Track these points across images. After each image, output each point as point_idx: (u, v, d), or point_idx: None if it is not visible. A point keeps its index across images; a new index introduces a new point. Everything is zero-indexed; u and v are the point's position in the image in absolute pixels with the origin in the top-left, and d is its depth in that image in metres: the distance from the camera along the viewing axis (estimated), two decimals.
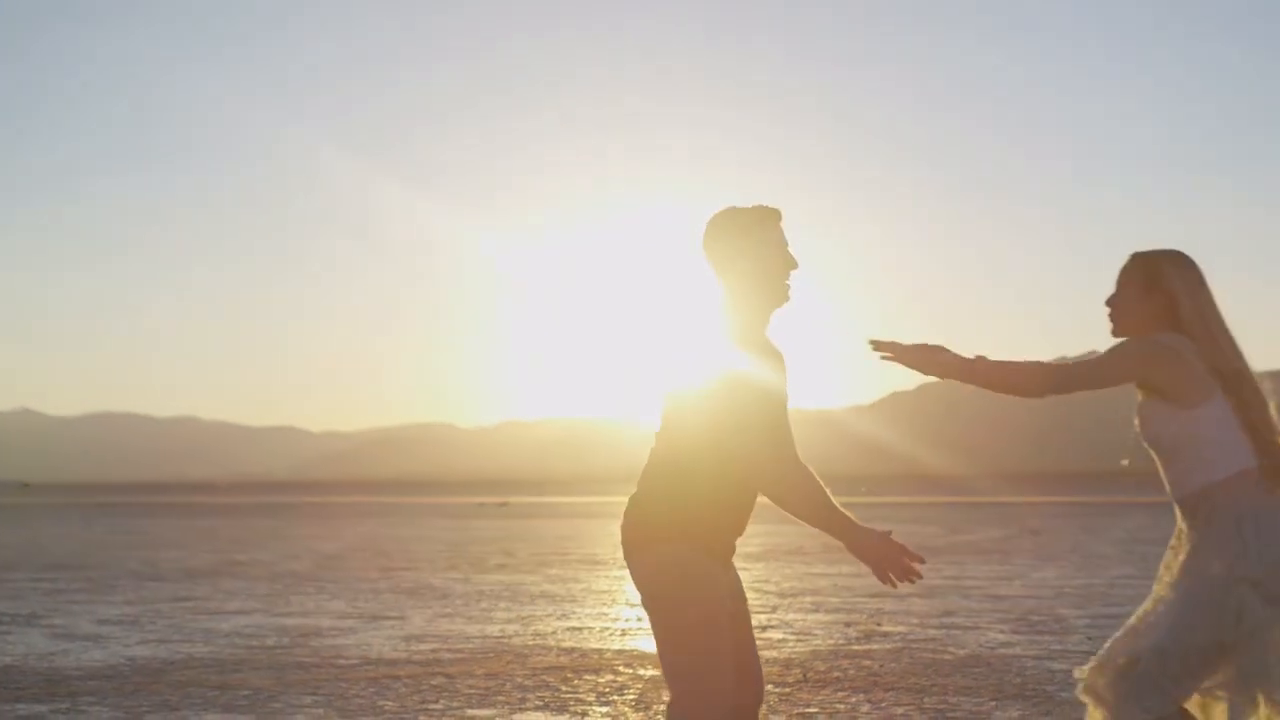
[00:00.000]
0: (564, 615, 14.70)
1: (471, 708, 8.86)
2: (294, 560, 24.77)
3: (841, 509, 4.60)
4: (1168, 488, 4.82)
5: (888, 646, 11.81)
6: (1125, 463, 5.27)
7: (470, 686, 9.75)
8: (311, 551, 27.81)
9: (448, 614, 14.91)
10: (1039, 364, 4.84)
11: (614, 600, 16.45)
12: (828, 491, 4.63)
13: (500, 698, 9.25)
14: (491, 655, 11.45)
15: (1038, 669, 10.48)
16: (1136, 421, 4.79)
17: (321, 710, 8.86)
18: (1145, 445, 4.80)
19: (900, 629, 13.08)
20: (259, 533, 38.51)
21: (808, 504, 4.59)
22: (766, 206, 4.79)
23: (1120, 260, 4.94)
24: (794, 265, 4.76)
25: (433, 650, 11.80)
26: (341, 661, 11.16)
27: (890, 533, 4.61)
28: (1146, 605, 4.80)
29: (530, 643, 12.30)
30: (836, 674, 10.24)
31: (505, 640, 12.49)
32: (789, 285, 4.77)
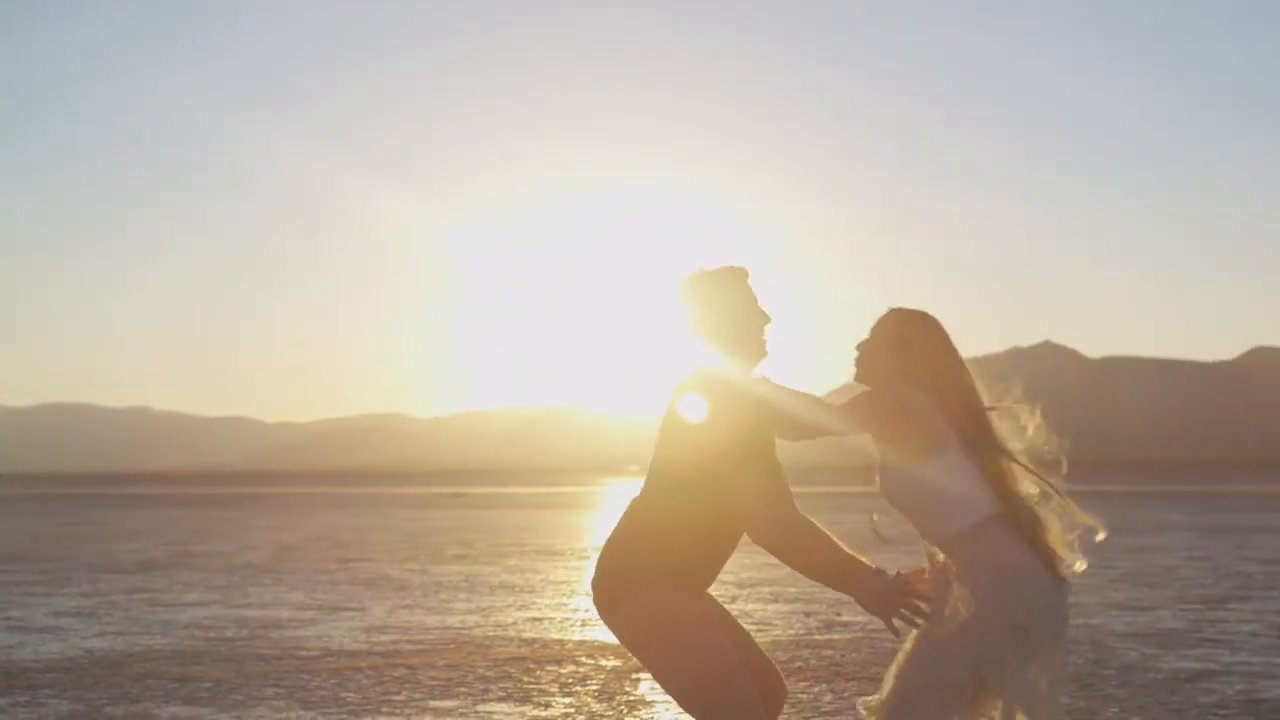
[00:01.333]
0: (524, 606, 14.69)
1: (434, 699, 8.84)
2: (251, 551, 24.67)
3: (848, 559, 4.59)
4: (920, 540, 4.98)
5: (848, 636, 11.84)
6: (876, 518, 5.34)
7: (432, 678, 9.73)
8: (268, 543, 27.71)
9: (407, 605, 14.87)
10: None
11: (573, 591, 16.44)
12: (836, 542, 4.62)
13: (463, 689, 9.24)
14: (452, 646, 11.43)
15: None
16: (877, 479, 4.91)
17: (283, 702, 8.83)
18: (887, 500, 4.93)
19: (860, 619, 13.11)
20: (214, 524, 38.35)
21: (816, 562, 4.59)
22: (734, 266, 4.88)
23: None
24: (768, 320, 4.85)
25: (393, 641, 11.78)
26: (302, 653, 11.12)
27: (897, 573, 4.62)
28: (908, 644, 4.90)
29: (491, 634, 12.28)
30: (798, 664, 10.26)
31: (466, 631, 12.47)
32: (765, 340, 4.86)
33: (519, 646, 11.40)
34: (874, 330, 5.04)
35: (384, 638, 12.05)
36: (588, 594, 4.70)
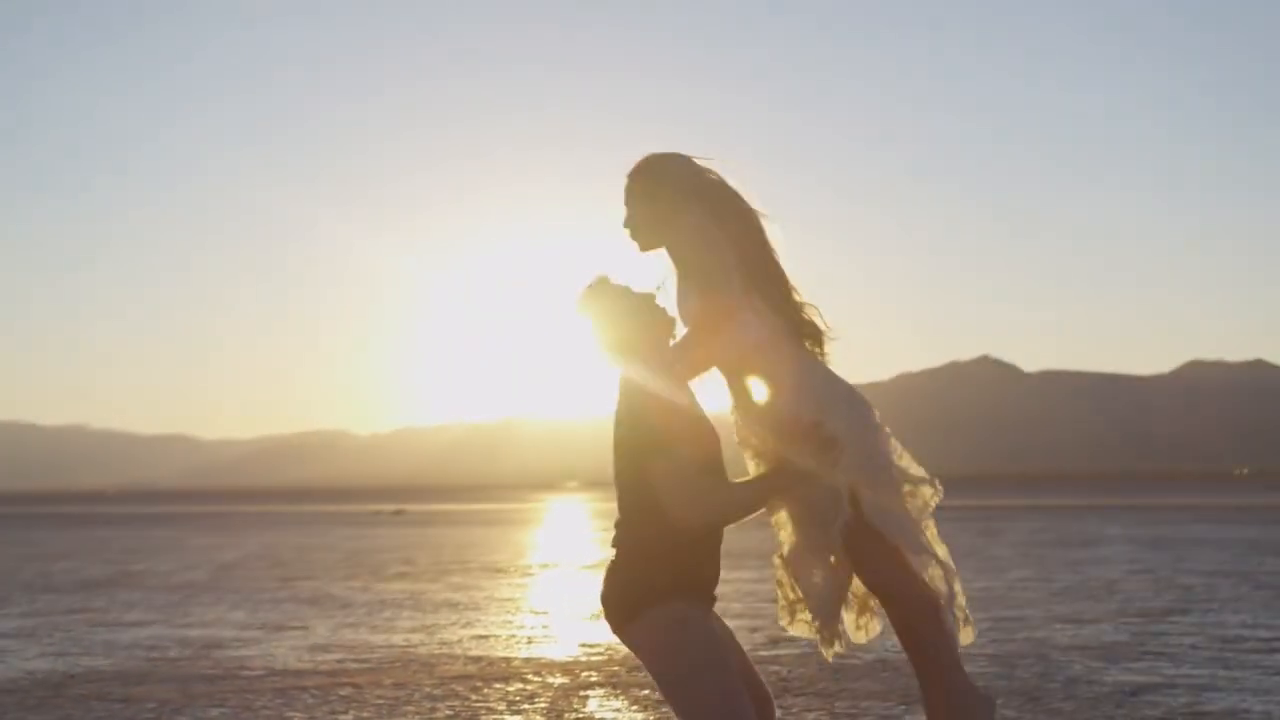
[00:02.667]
0: (469, 624, 14.63)
1: (381, 718, 8.80)
2: (191, 570, 24.49)
3: (763, 476, 4.67)
4: None
5: (795, 651, 11.85)
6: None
7: (379, 696, 9.68)
8: (208, 561, 27.50)
9: (351, 623, 14.80)
10: None
11: (518, 608, 16.40)
12: (746, 479, 4.70)
13: (410, 707, 9.19)
14: (398, 665, 11.38)
15: None
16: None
17: None
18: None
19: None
20: (153, 542, 38.03)
21: (738, 503, 4.65)
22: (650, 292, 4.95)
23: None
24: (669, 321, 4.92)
25: (339, 660, 11.71)
26: (246, 673, 11.04)
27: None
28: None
29: (437, 651, 12.23)
30: None
31: (411, 649, 12.41)
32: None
33: (465, 664, 11.36)
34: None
35: (329, 656, 11.98)
36: (598, 611, 4.70)
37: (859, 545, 5.24)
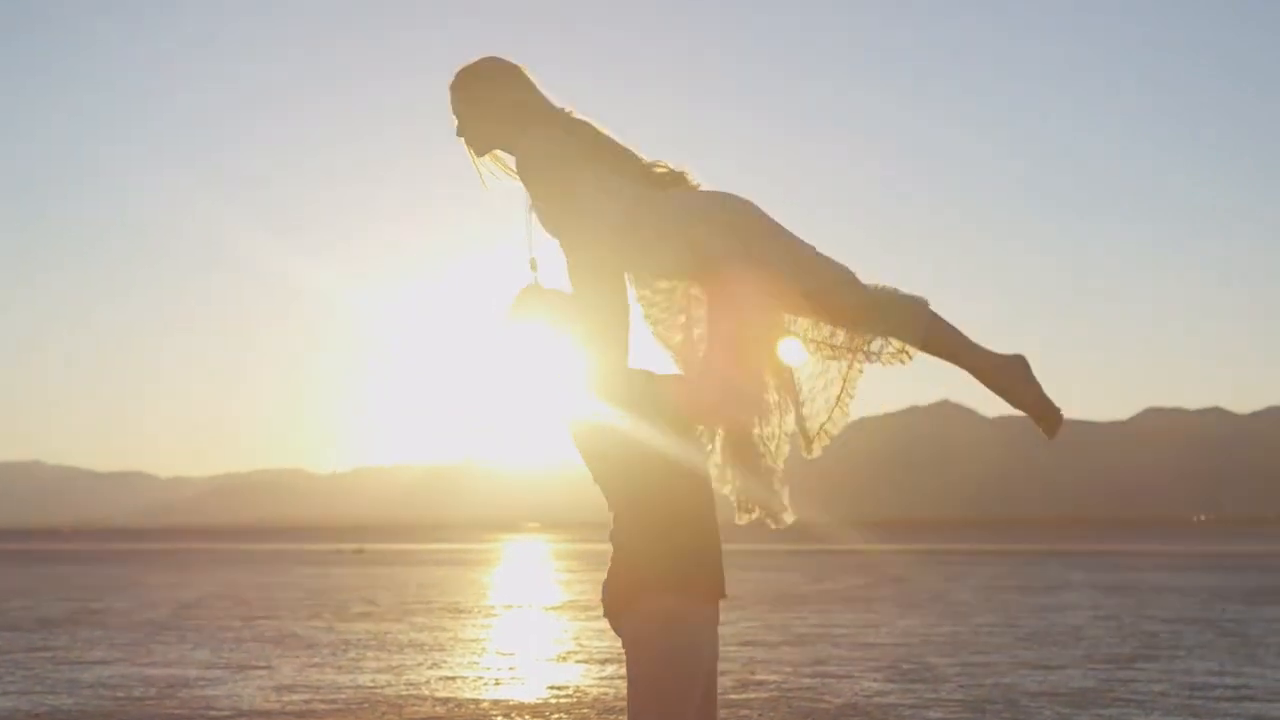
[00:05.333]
0: (435, 664, 14.55)
1: None
2: (152, 608, 24.29)
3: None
4: None
5: (764, 695, 11.83)
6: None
7: None
8: (169, 599, 27.29)
9: (316, 664, 14.69)
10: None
11: (484, 649, 16.32)
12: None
13: None
14: (365, 705, 11.31)
15: (915, 718, 10.55)
16: None
17: None
18: None
19: (774, 677, 13.11)
20: (112, 580, 37.74)
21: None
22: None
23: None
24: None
25: (306, 701, 11.63)
26: (213, 713, 10.95)
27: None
28: None
29: (404, 692, 12.16)
30: None
31: (378, 690, 12.33)
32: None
33: (434, 706, 11.29)
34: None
35: (295, 697, 11.89)
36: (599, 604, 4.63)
37: None
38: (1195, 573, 37.77)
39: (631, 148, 4.98)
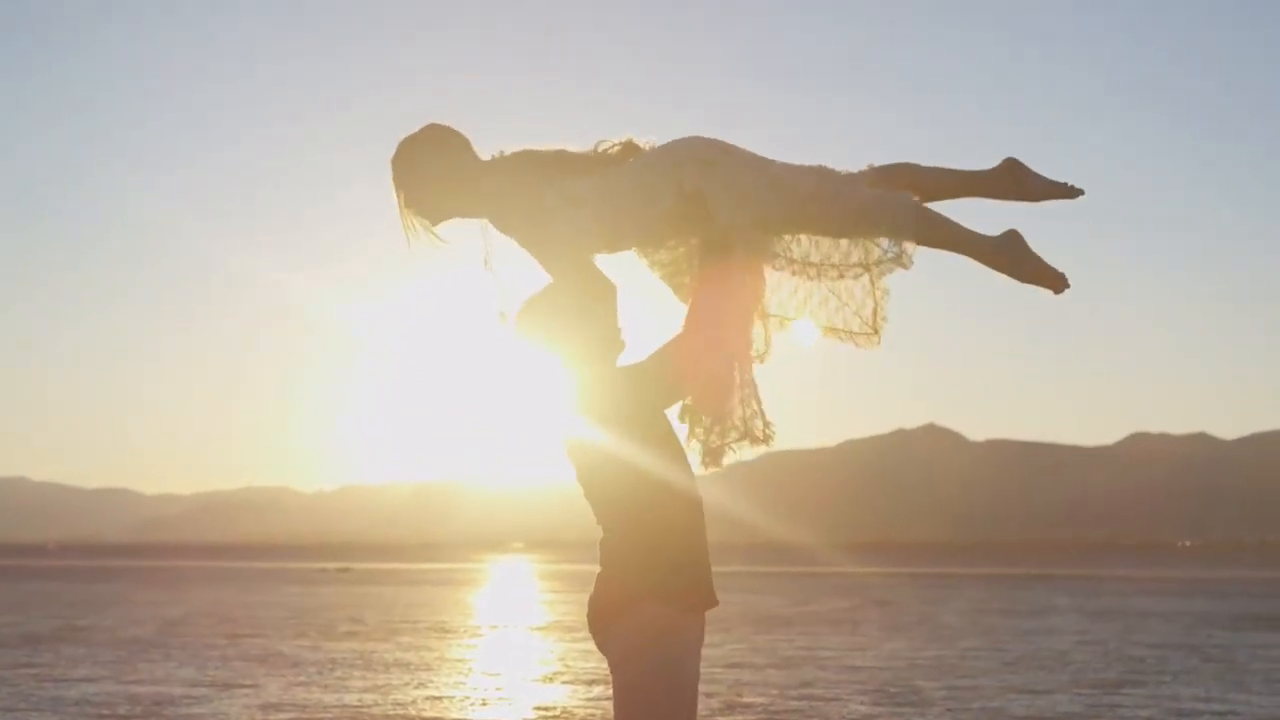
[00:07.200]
0: (421, 684, 14.53)
1: None
2: (137, 626, 24.23)
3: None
4: None
5: (751, 718, 11.84)
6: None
7: None
8: (155, 617, 27.22)
9: (302, 682, 14.67)
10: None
11: (470, 669, 16.30)
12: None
13: None
14: None
15: None
16: None
17: None
18: None
19: (761, 700, 13.11)
20: (97, 597, 37.64)
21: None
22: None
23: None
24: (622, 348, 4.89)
25: None
26: None
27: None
28: None
29: (391, 712, 12.15)
30: None
31: (365, 710, 12.32)
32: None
33: None
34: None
35: (281, 716, 11.87)
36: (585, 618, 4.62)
37: None
38: (1181, 598, 37.79)
39: (568, 145, 5.04)
